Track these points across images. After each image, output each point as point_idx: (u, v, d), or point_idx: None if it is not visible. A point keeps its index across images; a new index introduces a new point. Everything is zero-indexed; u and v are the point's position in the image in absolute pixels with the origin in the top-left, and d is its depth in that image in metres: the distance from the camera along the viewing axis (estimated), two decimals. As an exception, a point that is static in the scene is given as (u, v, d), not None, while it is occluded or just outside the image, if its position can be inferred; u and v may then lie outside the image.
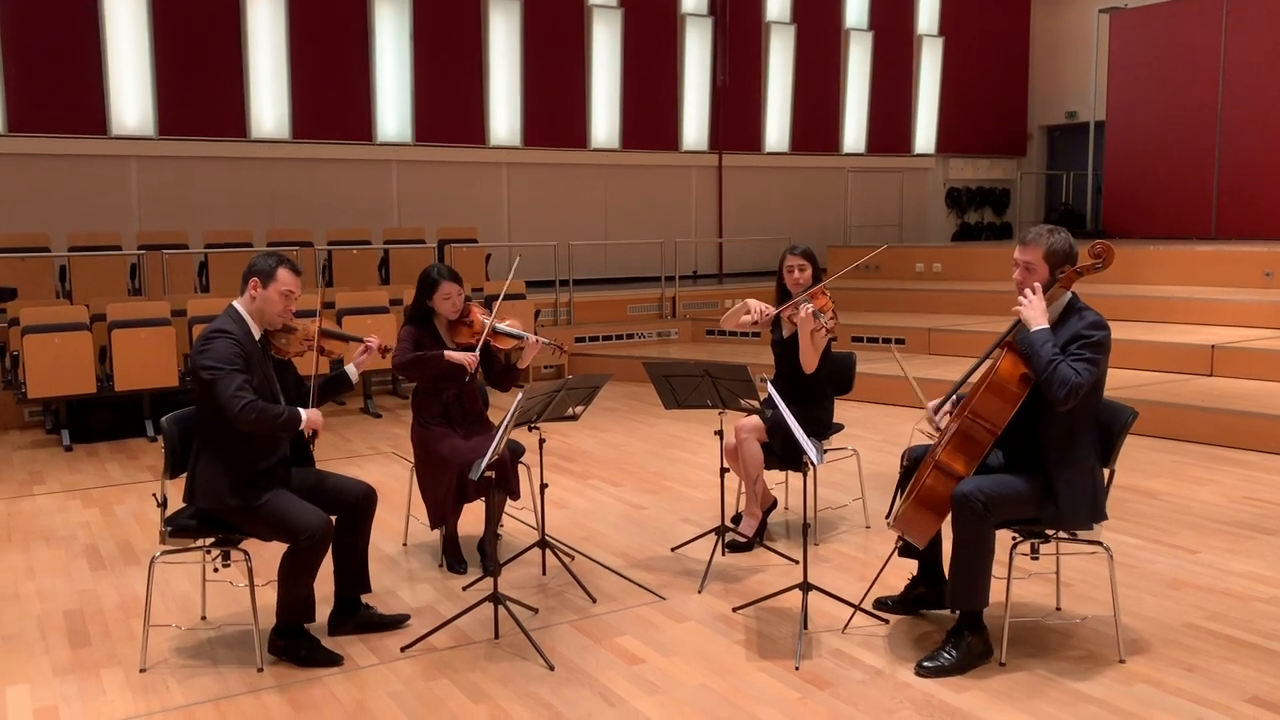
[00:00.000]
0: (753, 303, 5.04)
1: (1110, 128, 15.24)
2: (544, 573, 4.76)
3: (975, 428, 3.63)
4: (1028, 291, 3.66)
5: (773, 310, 5.02)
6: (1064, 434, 3.64)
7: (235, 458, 3.77)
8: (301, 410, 3.84)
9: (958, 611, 3.73)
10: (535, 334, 5.01)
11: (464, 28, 12.90)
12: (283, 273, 3.88)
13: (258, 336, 3.90)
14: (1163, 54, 14.43)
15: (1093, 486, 3.69)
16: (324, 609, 4.04)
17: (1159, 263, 11.24)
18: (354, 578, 4.09)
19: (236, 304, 3.90)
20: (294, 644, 3.83)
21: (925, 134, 16.99)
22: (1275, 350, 8.18)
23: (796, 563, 4.66)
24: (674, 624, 4.18)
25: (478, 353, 4.73)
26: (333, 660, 3.82)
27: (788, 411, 4.01)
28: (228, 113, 11.64)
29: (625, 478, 6.61)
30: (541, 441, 4.56)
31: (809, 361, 4.92)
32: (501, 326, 4.83)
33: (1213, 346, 8.41)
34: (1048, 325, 3.60)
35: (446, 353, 4.71)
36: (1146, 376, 8.26)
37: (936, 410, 3.94)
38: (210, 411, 3.76)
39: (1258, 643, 3.88)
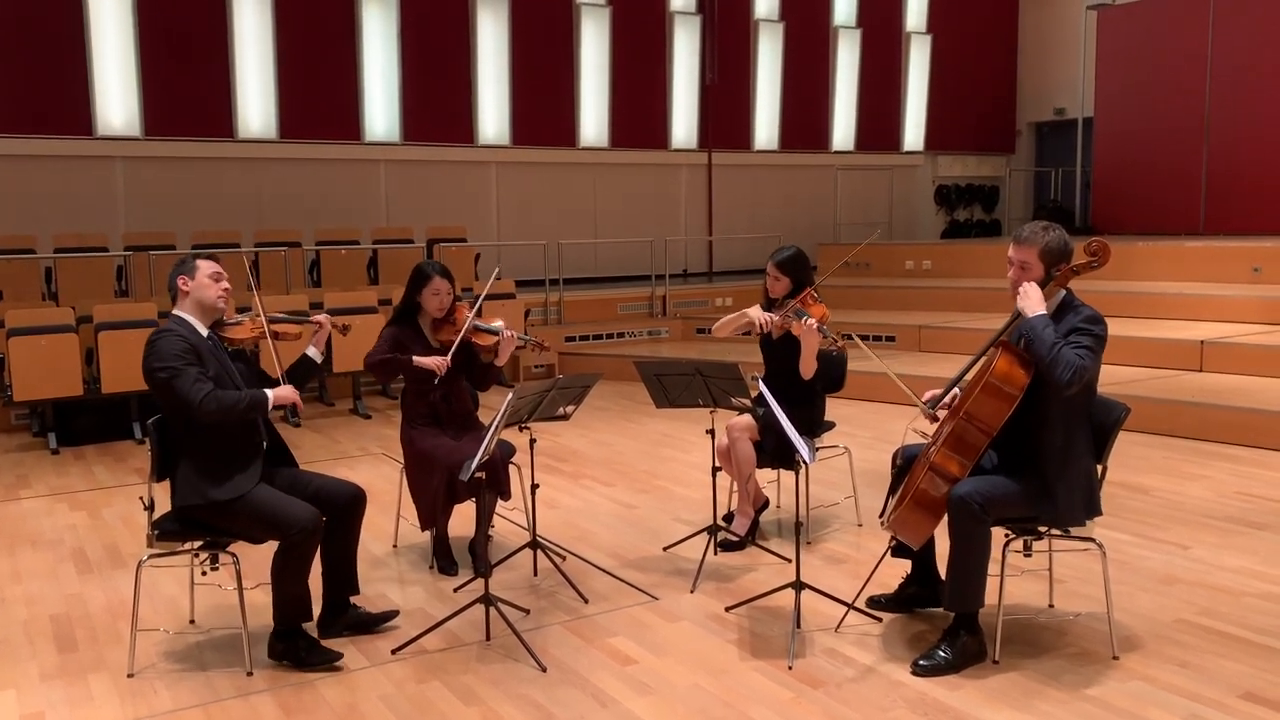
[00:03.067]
0: (752, 312, 4.96)
1: (1098, 124, 15.27)
2: (535, 573, 4.74)
3: (970, 429, 3.61)
4: (1023, 285, 3.64)
5: (775, 318, 4.92)
6: (1060, 433, 3.63)
7: (211, 452, 3.74)
8: (266, 390, 3.85)
9: (952, 612, 3.72)
10: (525, 333, 5.00)
11: (452, 26, 12.85)
12: (201, 261, 3.91)
13: (205, 333, 3.89)
14: (1150, 50, 14.47)
15: (1088, 484, 3.68)
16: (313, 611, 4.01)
17: (1148, 258, 11.27)
18: (343, 580, 4.07)
19: (175, 310, 3.91)
20: (292, 645, 3.80)
21: (914, 131, 17.00)
22: (1264, 345, 8.20)
23: (789, 561, 4.65)
24: (666, 624, 4.16)
25: (450, 356, 4.70)
26: (332, 659, 3.78)
27: (779, 410, 3.99)
28: (215, 113, 11.58)
29: (617, 477, 6.59)
30: (532, 441, 4.54)
31: (809, 369, 4.91)
32: (482, 324, 4.82)
33: (1202, 342, 8.42)
34: (1046, 312, 3.59)
35: (416, 359, 4.70)
36: (1136, 372, 8.27)
37: (933, 404, 3.93)
38: (176, 412, 3.74)
39: (1250, 638, 3.88)
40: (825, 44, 15.92)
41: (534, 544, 4.68)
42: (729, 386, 4.52)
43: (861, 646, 3.88)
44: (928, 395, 3.99)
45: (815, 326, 4.71)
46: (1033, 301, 3.60)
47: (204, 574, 4.04)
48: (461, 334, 4.74)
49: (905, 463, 3.98)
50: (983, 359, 3.78)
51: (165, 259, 9.95)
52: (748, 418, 4.91)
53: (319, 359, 4.25)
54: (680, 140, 14.71)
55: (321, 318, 4.26)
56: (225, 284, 3.92)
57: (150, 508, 3.83)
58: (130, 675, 3.77)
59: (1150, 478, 6.16)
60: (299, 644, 3.80)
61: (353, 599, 4.12)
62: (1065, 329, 3.57)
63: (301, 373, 4.21)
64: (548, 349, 5.06)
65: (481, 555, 4.42)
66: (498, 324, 4.88)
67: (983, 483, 3.62)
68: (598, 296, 12.14)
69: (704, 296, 12.63)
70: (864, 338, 10.10)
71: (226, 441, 3.77)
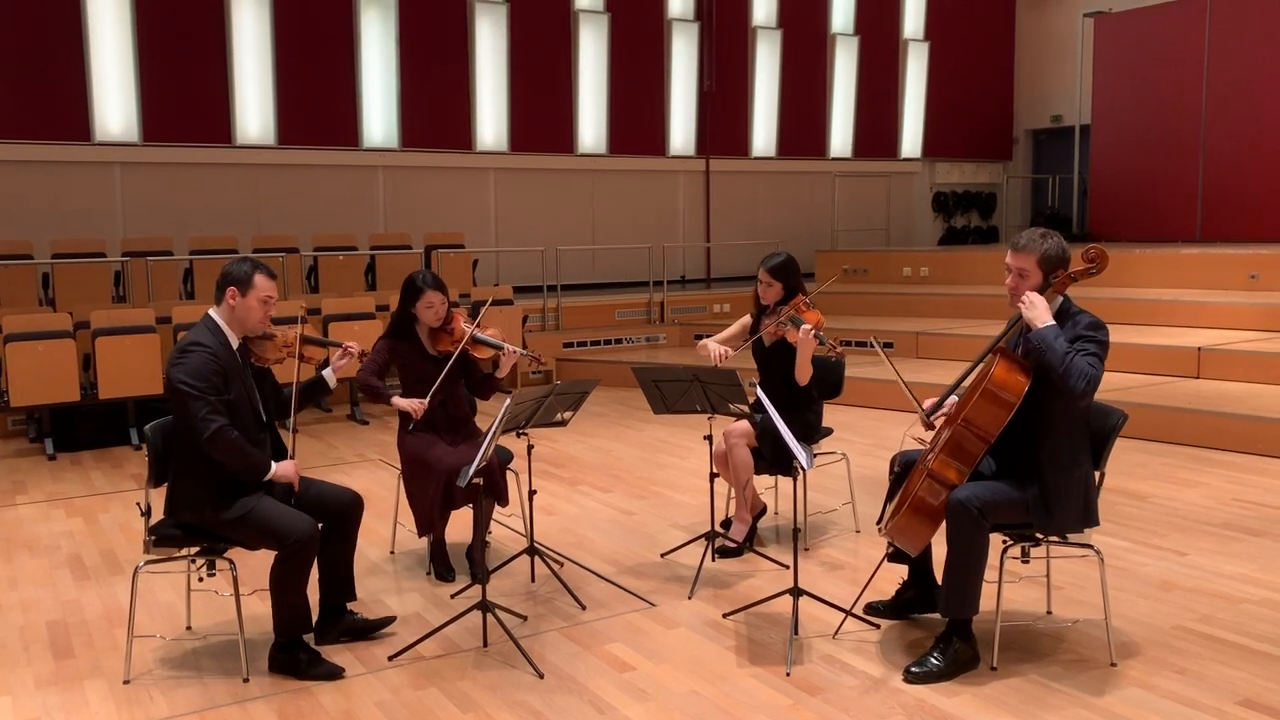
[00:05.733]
0: (710, 346, 5.04)
1: (1095, 131, 15.30)
2: (533, 580, 4.74)
3: (968, 436, 3.61)
4: (1027, 294, 3.63)
5: (731, 350, 5.04)
6: (1061, 442, 3.62)
7: (214, 468, 3.72)
8: (274, 463, 3.81)
9: (947, 617, 3.71)
10: (523, 343, 5.01)
11: (451, 32, 12.87)
12: (260, 279, 3.86)
13: (235, 345, 3.87)
14: (1147, 58, 14.50)
15: (1086, 494, 3.68)
16: (310, 618, 4.00)
17: (1145, 265, 11.28)
18: (339, 586, 4.06)
19: (213, 313, 3.87)
20: (293, 657, 3.79)
21: (911, 138, 17.03)
22: (1261, 352, 8.20)
23: (787, 568, 4.64)
24: (664, 630, 4.16)
25: (430, 394, 4.68)
26: (333, 673, 3.76)
27: (777, 416, 3.99)
28: (213, 119, 11.59)
29: (614, 483, 6.59)
30: (530, 447, 4.54)
31: (805, 375, 4.92)
32: (481, 336, 4.81)
33: (1199, 349, 8.43)
34: (1054, 322, 3.58)
35: (394, 399, 4.72)
36: (1133, 379, 8.27)
37: (931, 413, 3.92)
38: (184, 421, 3.73)
39: (1248, 645, 3.88)
40: (823, 51, 15.94)
41: (531, 550, 4.67)
42: (727, 392, 4.52)
43: (859, 653, 3.88)
44: (929, 403, 3.98)
45: (812, 333, 4.72)
46: (1040, 312, 3.58)
47: (200, 580, 4.03)
48: (460, 346, 4.74)
49: (903, 469, 3.98)
50: (980, 365, 3.77)
51: (163, 265, 9.96)
52: (745, 424, 4.90)
53: (334, 384, 4.26)
54: (678, 147, 14.73)
55: (352, 346, 4.26)
56: (271, 310, 3.91)
57: (147, 514, 3.83)
58: (126, 682, 3.76)
59: (1147, 484, 6.16)
60: (299, 656, 3.79)
61: (349, 605, 4.12)
62: (1069, 337, 3.56)
63: (313, 392, 4.20)
64: (545, 365, 5.03)
65: (479, 561, 4.42)
66: (497, 336, 4.86)
67: (982, 488, 3.62)
68: (595, 303, 12.13)
69: (702, 303, 12.63)
70: (861, 344, 10.15)
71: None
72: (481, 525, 4.64)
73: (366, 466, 7.23)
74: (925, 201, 17.44)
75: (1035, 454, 3.64)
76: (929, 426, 3.92)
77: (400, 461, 4.88)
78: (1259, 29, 13.36)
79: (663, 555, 5.07)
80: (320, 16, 12.10)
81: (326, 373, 4.23)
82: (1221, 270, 10.69)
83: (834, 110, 16.13)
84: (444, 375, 4.67)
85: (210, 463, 3.72)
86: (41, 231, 10.43)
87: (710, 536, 4.91)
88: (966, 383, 3.82)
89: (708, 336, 5.19)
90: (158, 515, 3.86)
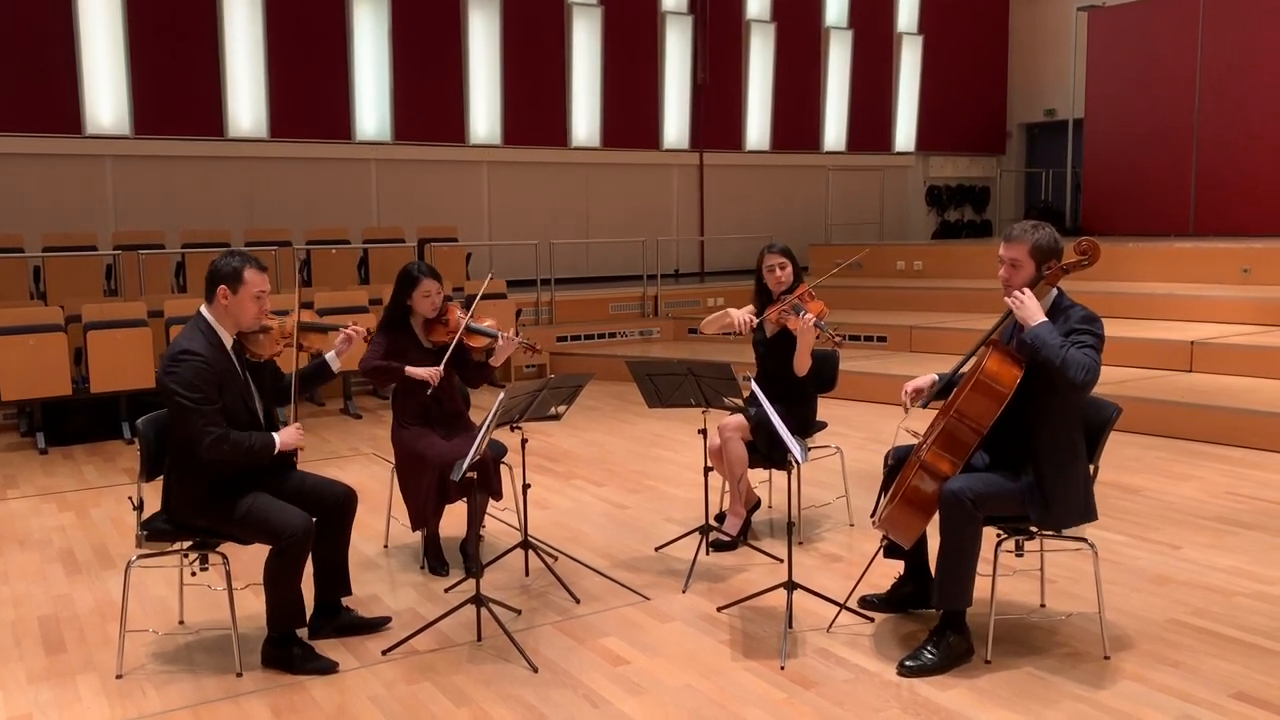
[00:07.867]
0: (734, 313, 5.07)
1: (1089, 125, 15.31)
2: (527, 574, 4.73)
3: (960, 427, 3.61)
4: (1016, 292, 3.63)
5: (755, 319, 5.05)
6: (1059, 434, 3.62)
7: (209, 470, 3.69)
8: (274, 435, 3.77)
9: (940, 610, 3.72)
10: (515, 333, 5.00)
11: (443, 25, 12.83)
12: (250, 274, 3.74)
13: (229, 344, 3.79)
14: (1141, 51, 14.51)
15: (1086, 488, 3.68)
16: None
17: (1138, 259, 11.29)
18: (334, 580, 4.05)
19: (204, 310, 3.77)
20: (286, 652, 3.77)
21: (905, 132, 17.03)
22: (1254, 346, 8.22)
23: (781, 561, 4.65)
24: (658, 624, 4.15)
25: (444, 363, 4.68)
26: (327, 668, 3.75)
27: (772, 409, 3.98)
28: (205, 111, 11.54)
29: (608, 477, 6.58)
30: (524, 441, 4.52)
31: (804, 366, 4.92)
32: (476, 325, 4.80)
33: (1192, 342, 8.44)
34: (1046, 319, 3.58)
35: (409, 368, 4.69)
36: (1127, 373, 8.28)
37: (925, 403, 3.90)
38: (181, 430, 3.69)
39: (1242, 638, 3.89)
40: (817, 44, 15.93)
41: (525, 544, 4.66)
42: (721, 386, 4.51)
43: (854, 647, 3.88)
44: (913, 385, 3.95)
45: (813, 322, 4.73)
46: (1031, 310, 3.58)
47: (193, 574, 4.01)
48: (457, 337, 4.72)
49: (897, 462, 3.97)
50: (974, 358, 3.77)
51: (155, 258, 9.92)
52: (740, 418, 4.90)
53: (337, 369, 4.21)
54: (672, 140, 14.71)
55: (352, 330, 4.16)
56: (266, 304, 3.80)
57: (139, 508, 3.81)
58: (119, 676, 3.75)
59: (1141, 478, 6.18)
60: (293, 650, 3.78)
61: (345, 601, 4.10)
62: (1063, 331, 3.57)
63: (315, 378, 4.15)
64: (539, 351, 5.02)
65: (473, 555, 4.41)
66: (493, 326, 4.85)
67: (975, 479, 3.62)
68: (589, 296, 12.12)
69: (695, 296, 12.62)
70: (855, 338, 10.14)
71: (228, 469, 3.72)
72: (475, 519, 4.64)
73: (360, 460, 7.22)
74: (919, 195, 17.44)
75: (1029, 445, 3.64)
76: (912, 404, 3.89)
77: (394, 455, 4.87)
78: (1252, 22, 13.37)
79: (657, 549, 5.07)
80: (313, 9, 12.05)
81: (330, 356, 4.17)
82: (1214, 264, 10.70)
83: (828, 104, 16.12)
84: (441, 365, 4.67)
85: (206, 471, 3.69)
86: (33, 225, 10.38)
87: (704, 530, 4.90)
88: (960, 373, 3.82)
89: (700, 333, 5.20)
90: (150, 509, 3.84)
